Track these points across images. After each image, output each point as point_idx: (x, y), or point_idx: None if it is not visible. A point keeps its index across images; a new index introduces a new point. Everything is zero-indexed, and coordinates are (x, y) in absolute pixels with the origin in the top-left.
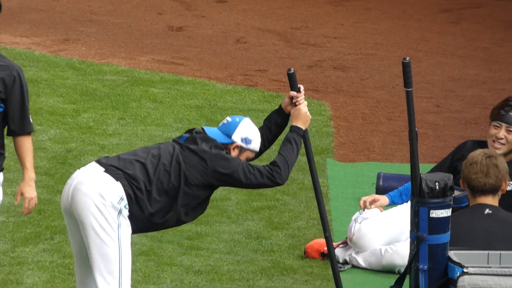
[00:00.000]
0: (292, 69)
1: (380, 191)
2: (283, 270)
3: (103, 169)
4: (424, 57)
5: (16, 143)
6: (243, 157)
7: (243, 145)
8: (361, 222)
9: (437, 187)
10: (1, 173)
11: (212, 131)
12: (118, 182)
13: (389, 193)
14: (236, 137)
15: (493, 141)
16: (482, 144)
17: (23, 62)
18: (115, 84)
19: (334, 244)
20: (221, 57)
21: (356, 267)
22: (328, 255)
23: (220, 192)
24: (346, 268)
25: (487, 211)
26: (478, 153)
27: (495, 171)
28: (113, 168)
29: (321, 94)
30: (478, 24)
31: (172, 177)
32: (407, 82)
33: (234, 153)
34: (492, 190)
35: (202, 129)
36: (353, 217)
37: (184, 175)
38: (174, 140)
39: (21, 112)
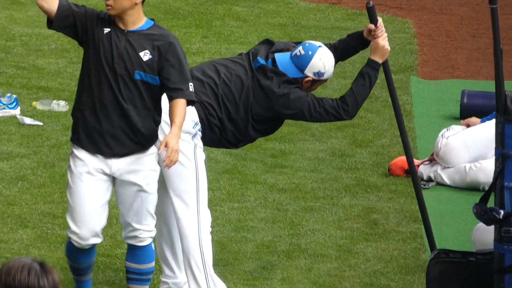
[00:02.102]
0: (372, 2)
1: (464, 108)
2: (367, 188)
3: None
4: None
5: (171, 104)
6: (314, 87)
7: (316, 78)
8: (448, 137)
9: None
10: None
11: (284, 64)
12: (192, 107)
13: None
14: (309, 71)
15: None
16: None
17: None
18: (198, 2)
19: (419, 161)
20: None
21: (440, 184)
22: (410, 172)
23: None
24: (430, 185)
25: None
26: None
27: None
28: None
29: (405, 12)
30: None
31: (240, 110)
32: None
33: (306, 85)
34: None
35: (274, 59)
36: (440, 133)
37: (251, 110)
38: (248, 61)
39: (180, 78)
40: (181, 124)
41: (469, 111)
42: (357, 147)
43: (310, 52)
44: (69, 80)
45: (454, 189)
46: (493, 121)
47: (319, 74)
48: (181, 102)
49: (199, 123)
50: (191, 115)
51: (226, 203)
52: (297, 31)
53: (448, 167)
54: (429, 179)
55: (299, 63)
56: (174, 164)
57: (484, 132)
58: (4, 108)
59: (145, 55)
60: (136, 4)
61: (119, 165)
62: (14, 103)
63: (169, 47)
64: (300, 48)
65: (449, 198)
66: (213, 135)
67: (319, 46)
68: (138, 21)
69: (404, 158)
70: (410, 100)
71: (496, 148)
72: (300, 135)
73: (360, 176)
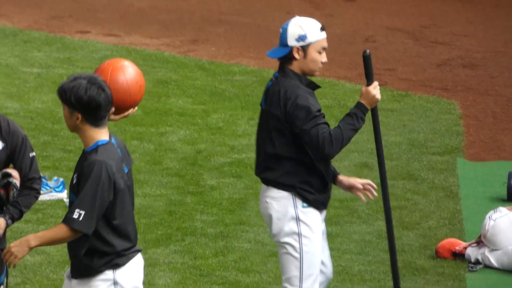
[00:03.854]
0: (368, 51)
1: (511, 190)
2: (414, 270)
3: None
4: None
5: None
6: (313, 54)
7: (302, 43)
8: (495, 219)
9: None
10: None
11: (273, 52)
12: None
13: None
14: (291, 41)
15: None
16: None
17: (153, 63)
18: (244, 84)
19: (466, 243)
20: (350, 56)
21: (488, 267)
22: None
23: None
24: (478, 268)
25: None
26: None
27: None
28: None
29: (451, 93)
30: None
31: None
32: None
33: (300, 56)
34: None
35: (268, 55)
36: (487, 215)
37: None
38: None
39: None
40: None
41: None
42: (403, 229)
43: (285, 26)
44: None
45: (502, 272)
46: None
47: (301, 38)
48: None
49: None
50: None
51: (273, 286)
52: (343, 113)
53: (496, 250)
54: (477, 262)
55: (281, 41)
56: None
57: None
58: (51, 192)
59: (75, 179)
60: (78, 125)
61: None
62: (61, 186)
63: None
64: (280, 31)
65: (498, 281)
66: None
67: (294, 16)
68: (88, 142)
69: (451, 240)
70: (456, 182)
71: None
72: (346, 217)
73: (407, 259)
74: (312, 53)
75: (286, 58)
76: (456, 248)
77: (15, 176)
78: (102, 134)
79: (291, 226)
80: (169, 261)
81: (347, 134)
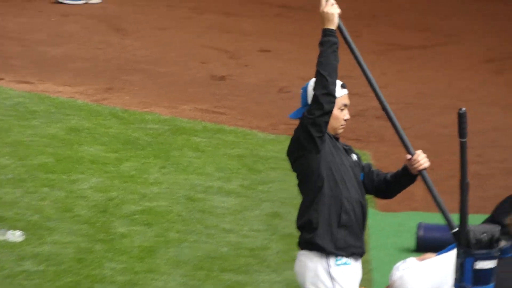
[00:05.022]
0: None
1: (421, 241)
2: None
3: None
4: (467, 107)
5: None
6: (335, 111)
7: None
8: (403, 270)
9: (484, 239)
10: None
11: (296, 113)
12: None
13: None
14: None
15: None
16: None
17: (66, 111)
18: (157, 133)
19: None
20: (264, 106)
21: None
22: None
23: (261, 241)
24: None
25: None
26: None
27: None
28: None
29: (364, 144)
30: None
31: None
32: (462, 133)
33: None
34: None
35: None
36: (395, 266)
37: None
38: None
39: None
40: None
41: (425, 244)
42: None
43: (306, 86)
44: (25, 210)
45: None
46: (450, 254)
47: None
48: None
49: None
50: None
51: None
52: (255, 162)
53: None
54: None
55: (303, 101)
56: None
57: (440, 265)
58: None
59: None
60: None
61: None
62: None
63: None
64: (300, 92)
65: None
66: None
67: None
68: None
69: None
70: (367, 232)
71: (455, 282)
72: (256, 266)
73: None
74: (334, 110)
75: None
76: None
77: None
78: None
79: None
80: None
81: (327, 61)
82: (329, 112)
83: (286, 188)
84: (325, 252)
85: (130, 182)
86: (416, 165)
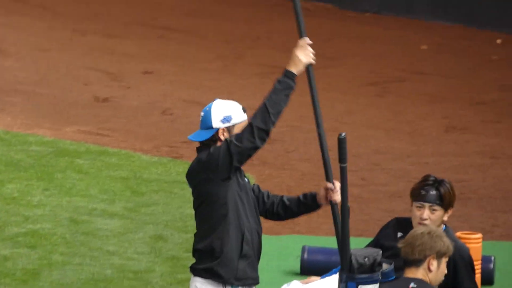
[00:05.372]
0: (344, 134)
1: (305, 264)
2: None
3: None
4: (349, 130)
5: None
6: (237, 131)
7: (227, 125)
8: None
9: (366, 262)
10: None
11: (197, 135)
12: None
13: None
14: (216, 123)
15: (419, 223)
16: (407, 222)
17: None
18: (40, 155)
19: None
20: (146, 128)
21: None
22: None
23: (145, 264)
24: None
25: (412, 285)
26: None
27: (415, 242)
28: None
29: (247, 167)
30: (402, 97)
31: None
32: (342, 158)
33: (225, 136)
34: (413, 262)
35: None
36: None
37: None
38: None
39: None
40: None
41: (309, 266)
42: None
43: (207, 109)
44: None
45: None
46: (333, 277)
47: (227, 119)
48: None
49: None
50: None
51: None
52: (139, 184)
53: None
54: None
55: (205, 124)
56: None
57: None
58: None
59: None
60: None
61: None
62: None
63: None
64: (201, 112)
65: None
66: None
67: (215, 100)
68: None
69: None
70: None
71: None
72: None
73: None
74: (236, 131)
75: (210, 140)
76: None
77: None
78: None
79: None
80: None
81: (277, 101)
82: (258, 148)
83: (169, 211)
84: (222, 281)
85: (12, 204)
86: (334, 196)
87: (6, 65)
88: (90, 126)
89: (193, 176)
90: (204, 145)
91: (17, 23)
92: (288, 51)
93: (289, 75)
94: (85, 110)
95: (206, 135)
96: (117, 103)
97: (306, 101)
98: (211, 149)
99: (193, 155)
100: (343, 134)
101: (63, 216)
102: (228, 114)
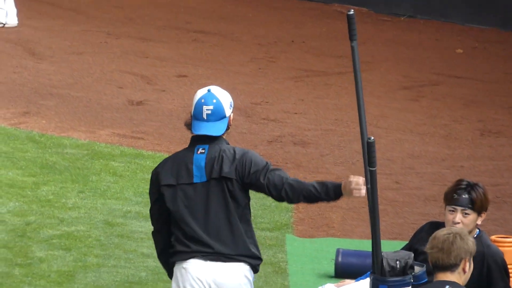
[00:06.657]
0: (352, 10)
1: (339, 267)
2: None
3: None
4: (383, 134)
5: None
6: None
7: (232, 109)
8: None
9: (398, 266)
10: None
11: (217, 129)
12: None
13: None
14: (227, 111)
15: (451, 226)
16: (441, 226)
17: None
18: (75, 157)
19: None
20: (181, 131)
21: None
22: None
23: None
24: None
25: (447, 287)
26: (444, 229)
27: (450, 247)
28: None
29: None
30: (437, 101)
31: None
32: (371, 162)
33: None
34: (448, 266)
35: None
36: None
37: None
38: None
39: None
40: None
41: (343, 269)
42: None
43: (214, 100)
44: None
45: None
46: (367, 280)
47: (231, 104)
48: None
49: None
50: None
51: None
52: None
53: None
54: None
55: (218, 115)
56: None
57: None
58: None
59: None
60: None
61: None
62: None
63: None
64: (204, 108)
65: None
66: None
67: (208, 90)
68: None
69: None
70: (285, 258)
71: None
72: None
73: None
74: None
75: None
76: None
77: None
78: None
79: None
80: None
81: (315, 200)
82: (287, 202)
83: None
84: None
85: (48, 206)
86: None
87: (41, 68)
88: (125, 129)
89: (245, 178)
90: (219, 136)
91: (51, 27)
92: (322, 55)
93: (337, 195)
94: (119, 113)
95: (224, 125)
96: (151, 106)
97: (340, 104)
98: (275, 172)
99: None
100: (372, 138)
101: (98, 219)
102: (230, 99)
